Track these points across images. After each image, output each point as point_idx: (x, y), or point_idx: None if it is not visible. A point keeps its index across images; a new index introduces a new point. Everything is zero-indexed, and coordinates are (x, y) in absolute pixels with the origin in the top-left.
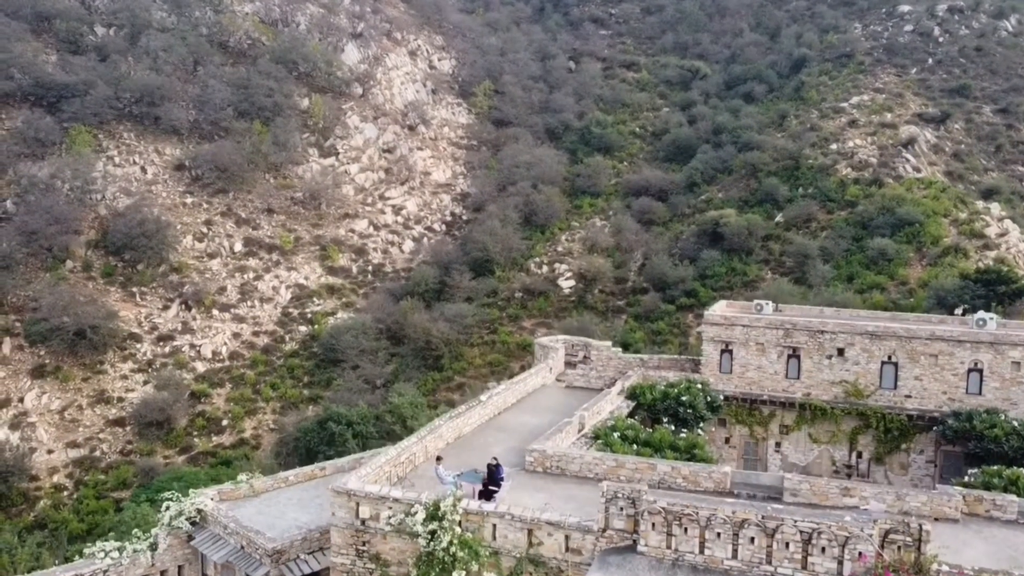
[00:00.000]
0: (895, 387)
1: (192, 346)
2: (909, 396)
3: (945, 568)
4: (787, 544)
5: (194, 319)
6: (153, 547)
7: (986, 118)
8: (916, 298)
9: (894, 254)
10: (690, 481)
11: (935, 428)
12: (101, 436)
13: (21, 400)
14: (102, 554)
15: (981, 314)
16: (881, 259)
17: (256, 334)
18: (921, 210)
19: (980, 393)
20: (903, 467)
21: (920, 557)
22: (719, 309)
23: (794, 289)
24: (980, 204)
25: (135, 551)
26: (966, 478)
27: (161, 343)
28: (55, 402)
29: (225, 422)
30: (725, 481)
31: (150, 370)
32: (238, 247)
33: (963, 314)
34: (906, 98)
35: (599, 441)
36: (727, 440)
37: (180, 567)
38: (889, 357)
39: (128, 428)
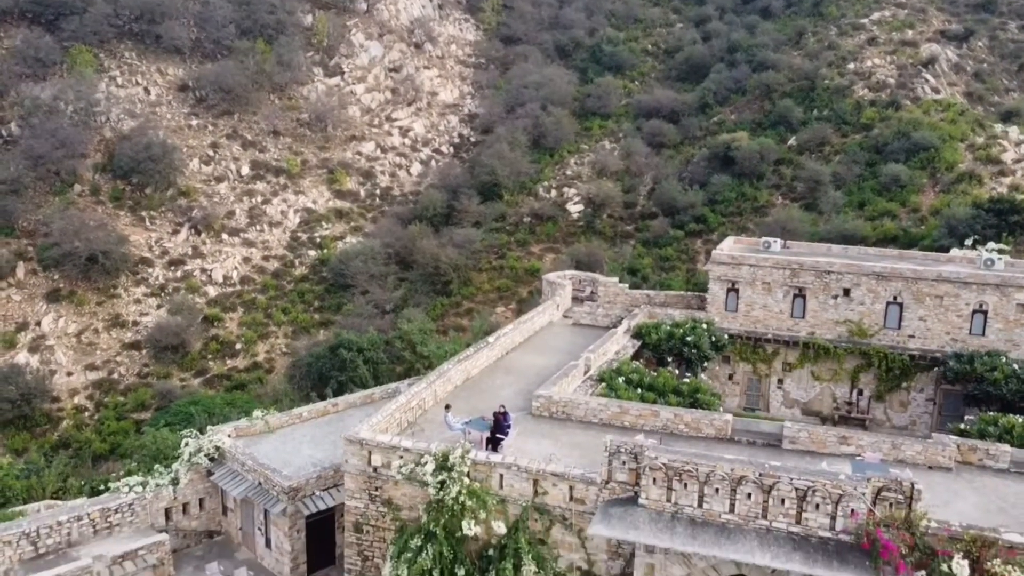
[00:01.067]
0: (899, 327)
1: (203, 271)
2: (912, 336)
3: (934, 524)
4: (783, 500)
5: (204, 243)
6: (175, 482)
7: (1011, 35)
8: (927, 226)
9: (907, 180)
10: (692, 428)
11: (936, 368)
12: (118, 359)
13: (38, 324)
14: (127, 488)
15: (989, 254)
16: (894, 185)
17: (266, 259)
18: (937, 135)
19: (983, 334)
20: (903, 405)
21: (910, 514)
22: (726, 247)
23: (804, 216)
24: (999, 127)
25: (157, 485)
26: (963, 424)
27: (172, 267)
28: (71, 326)
29: (238, 346)
30: (726, 429)
31: (163, 295)
32: (245, 170)
33: (973, 246)
34: (929, 14)
35: (603, 385)
36: (731, 377)
37: (201, 500)
38: (895, 298)
39: (144, 351)
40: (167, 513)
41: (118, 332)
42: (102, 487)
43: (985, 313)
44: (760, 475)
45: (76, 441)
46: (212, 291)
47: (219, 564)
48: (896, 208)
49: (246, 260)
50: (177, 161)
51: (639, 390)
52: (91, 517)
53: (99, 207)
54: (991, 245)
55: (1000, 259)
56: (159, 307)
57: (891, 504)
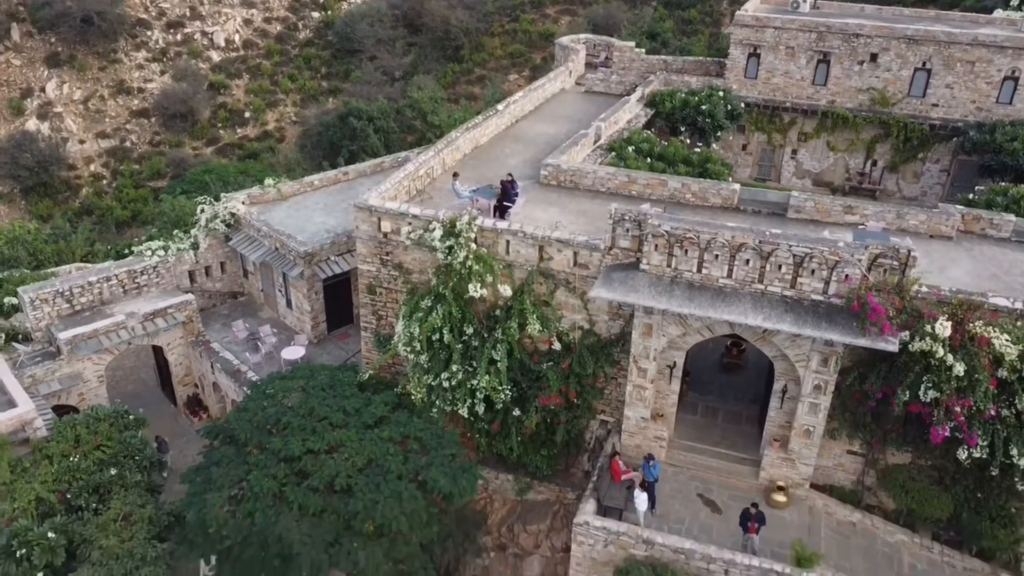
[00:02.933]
0: (924, 95)
1: (204, 33)
2: (936, 105)
3: (924, 290)
4: (780, 266)
5: (202, 4)
6: (195, 246)
7: None
8: None
9: None
10: (699, 197)
11: (956, 139)
12: (128, 127)
13: (43, 90)
14: (149, 252)
15: None
16: None
17: (268, 20)
18: None
19: (1011, 103)
20: (915, 176)
21: (903, 280)
22: (751, 8)
23: None
24: None
25: (179, 250)
26: (972, 195)
27: (172, 30)
28: (77, 92)
29: (247, 115)
30: (733, 198)
31: (165, 59)
32: None
33: (1020, 6)
34: None
35: (613, 154)
36: (744, 147)
37: (222, 263)
38: (923, 64)
39: (153, 119)
40: (191, 276)
41: (124, 99)
42: (126, 251)
43: (1016, 80)
44: (760, 242)
45: (98, 208)
46: (215, 56)
47: (244, 322)
48: None
49: (247, 23)
50: None
51: (649, 160)
52: (119, 278)
53: None
54: None
55: None
56: (163, 73)
57: (885, 270)
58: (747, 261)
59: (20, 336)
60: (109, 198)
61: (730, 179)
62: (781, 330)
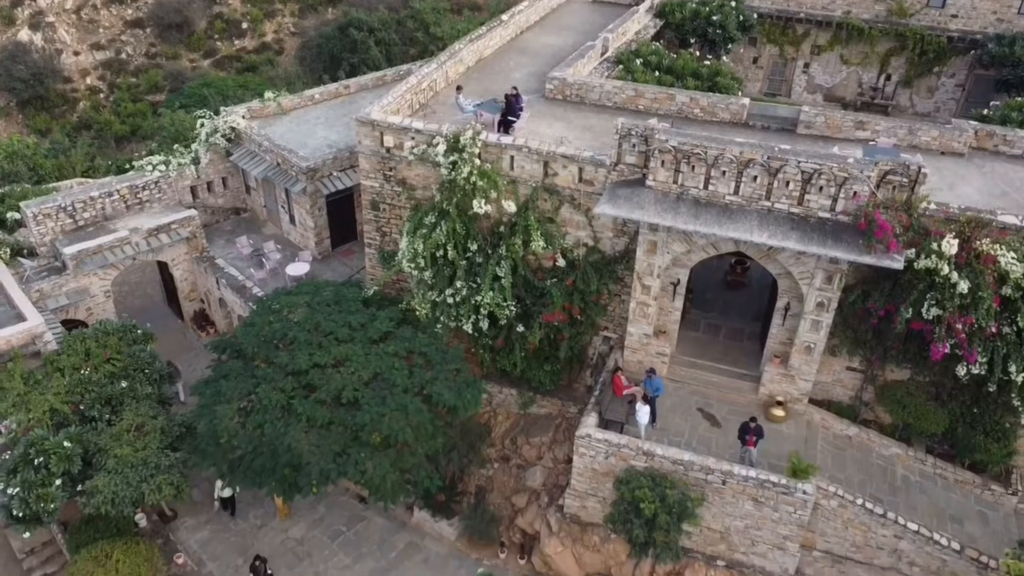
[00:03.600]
0: (943, 5)
1: None
2: (955, 16)
3: (933, 207)
4: (788, 183)
5: None
6: (195, 161)
7: None
8: None
9: None
10: (707, 112)
11: (973, 52)
12: (123, 39)
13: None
14: (150, 167)
15: None
16: None
17: None
18: None
19: None
20: (930, 91)
21: (911, 197)
22: None
23: None
24: None
25: (180, 164)
26: (986, 110)
27: None
28: (68, 1)
29: (244, 25)
30: (742, 113)
31: None
32: None
33: None
34: None
35: (620, 67)
36: (755, 61)
37: (224, 179)
38: None
39: (148, 30)
40: (193, 191)
41: (118, 9)
42: (127, 166)
43: None
44: (768, 158)
45: (96, 123)
46: None
47: (248, 238)
48: None
49: None
50: None
51: (657, 73)
52: (121, 193)
53: None
54: None
55: None
56: None
57: (894, 187)
58: (755, 178)
59: (25, 251)
60: (107, 112)
61: (740, 94)
62: (787, 247)
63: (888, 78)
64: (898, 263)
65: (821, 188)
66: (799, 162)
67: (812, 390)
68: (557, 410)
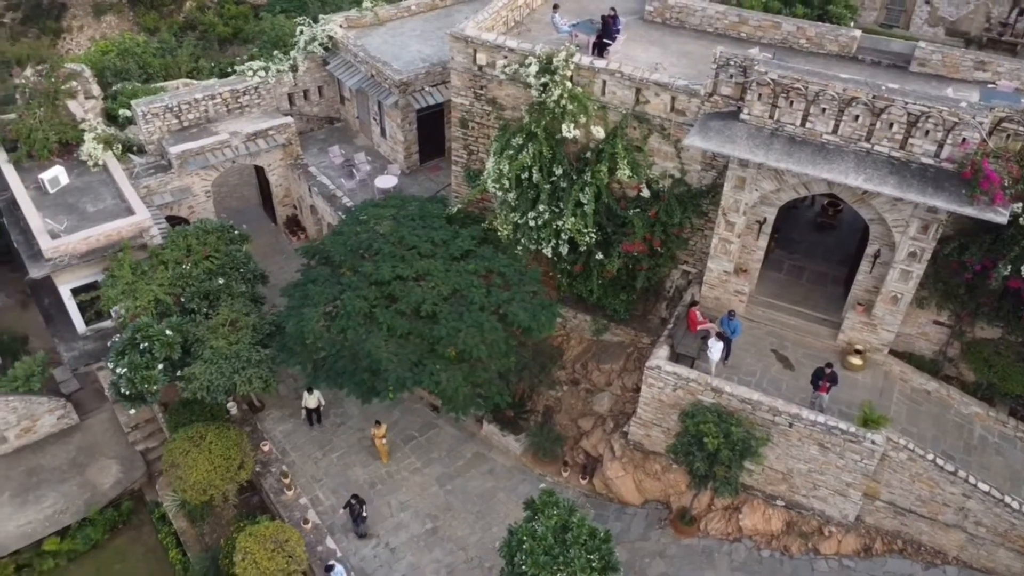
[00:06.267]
0: None
1: None
2: None
3: None
4: (891, 124)
5: None
6: (293, 68)
7: None
8: None
9: None
10: (813, 43)
11: None
12: None
13: None
14: (251, 72)
15: None
16: None
17: None
18: None
19: None
20: None
21: None
22: None
23: None
24: None
25: (279, 71)
26: None
27: None
28: None
29: None
30: (851, 46)
31: None
32: None
33: None
34: None
35: None
36: None
37: (320, 88)
38: None
39: None
40: (290, 98)
41: None
42: (229, 70)
43: None
44: (873, 97)
45: (201, 24)
46: None
47: (340, 147)
48: None
49: None
50: None
51: None
52: (223, 97)
53: None
54: None
55: None
56: None
57: (1009, 136)
58: (856, 117)
59: (135, 148)
60: (211, 13)
61: (852, 24)
62: (883, 193)
63: (1021, 13)
64: (1002, 217)
65: (927, 132)
66: (906, 103)
67: (894, 341)
68: (630, 339)
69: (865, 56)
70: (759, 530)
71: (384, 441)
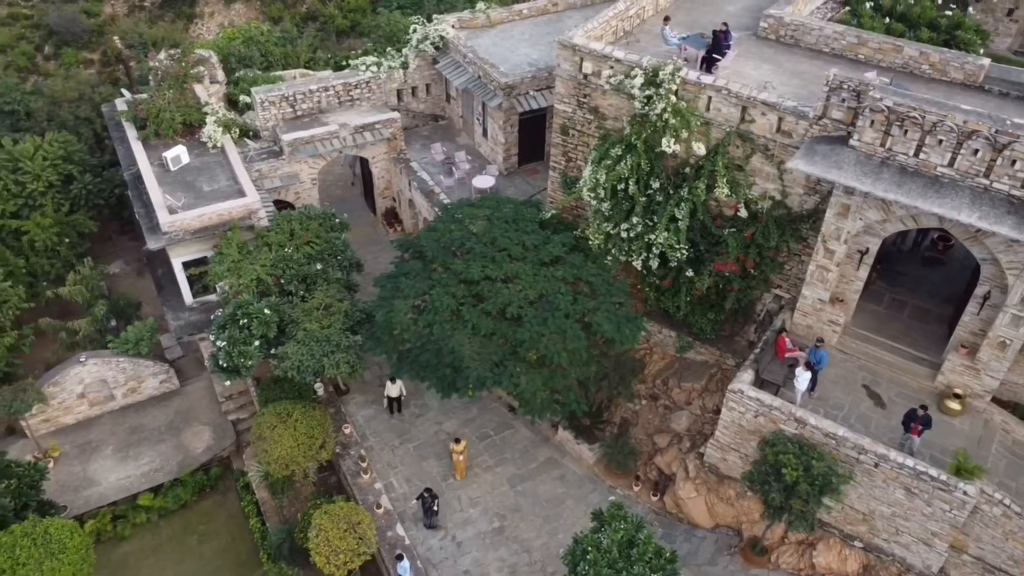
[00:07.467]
0: None
1: None
2: None
3: None
4: (1014, 161)
5: None
6: (404, 65)
7: None
8: None
9: None
10: (937, 70)
11: None
12: None
13: None
14: (363, 67)
15: None
16: None
17: None
18: None
19: None
20: None
21: None
22: None
23: None
24: None
25: (390, 67)
26: None
27: None
28: None
29: None
30: (978, 75)
31: None
32: None
33: None
34: None
35: (847, 9)
36: (1010, 13)
37: (428, 85)
38: None
39: None
40: (398, 94)
41: None
42: (344, 63)
43: None
44: (996, 131)
45: (322, 15)
46: None
47: (442, 145)
48: None
49: None
50: None
51: (888, 20)
52: (336, 89)
53: None
54: None
55: None
56: None
57: None
58: (975, 151)
59: (251, 133)
60: (332, 6)
61: (981, 51)
62: (999, 232)
63: None
64: None
65: None
66: None
67: (998, 388)
68: (714, 359)
69: (993, 86)
70: (833, 569)
71: (462, 458)
